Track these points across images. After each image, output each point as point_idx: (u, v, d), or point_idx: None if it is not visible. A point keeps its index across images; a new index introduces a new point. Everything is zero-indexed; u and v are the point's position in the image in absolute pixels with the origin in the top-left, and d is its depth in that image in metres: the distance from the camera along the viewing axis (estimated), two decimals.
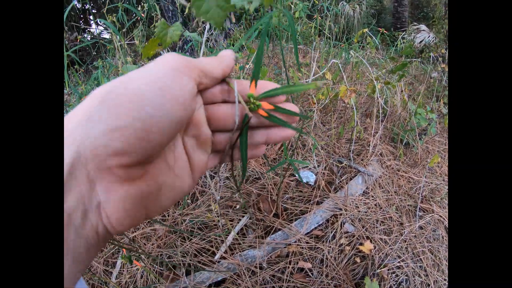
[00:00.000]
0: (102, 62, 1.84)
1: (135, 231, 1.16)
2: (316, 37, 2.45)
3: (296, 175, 0.80)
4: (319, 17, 2.07)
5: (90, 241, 0.19)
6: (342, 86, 1.29)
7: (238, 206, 1.17)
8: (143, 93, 0.19)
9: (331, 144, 1.58)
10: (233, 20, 4.14)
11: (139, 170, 0.20)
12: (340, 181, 1.37)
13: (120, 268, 1.05)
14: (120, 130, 0.18)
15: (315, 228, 1.14)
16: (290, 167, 1.30)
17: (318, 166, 1.37)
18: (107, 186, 0.19)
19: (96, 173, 0.18)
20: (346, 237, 1.13)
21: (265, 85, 0.27)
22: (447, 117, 2.24)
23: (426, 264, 1.16)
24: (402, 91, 2.03)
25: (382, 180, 1.49)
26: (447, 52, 3.53)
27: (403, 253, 1.18)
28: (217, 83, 0.26)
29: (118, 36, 1.48)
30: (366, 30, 2.01)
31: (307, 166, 1.38)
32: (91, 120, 0.18)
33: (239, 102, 0.26)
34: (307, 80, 1.42)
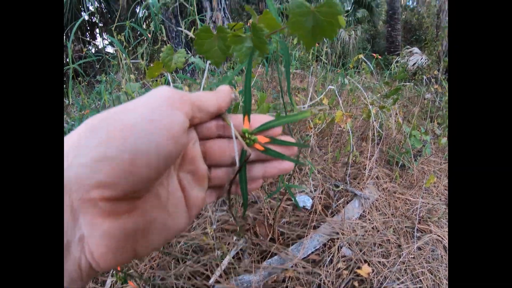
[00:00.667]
0: (105, 77, 1.87)
1: None
2: (313, 62, 2.53)
3: (293, 199, 0.83)
4: (316, 44, 2.15)
5: (72, 275, 0.18)
6: (338, 112, 1.34)
7: (238, 236, 1.19)
8: (134, 124, 0.19)
9: (327, 168, 1.61)
10: None
11: (125, 205, 0.19)
12: (337, 205, 1.39)
13: (110, 287, 1.04)
14: (106, 160, 0.17)
15: (312, 252, 1.14)
16: (286, 191, 1.32)
17: (315, 190, 1.40)
18: (91, 219, 0.18)
19: (80, 203, 0.18)
20: (344, 261, 1.13)
21: (260, 118, 0.27)
22: (447, 126, 2.27)
23: (426, 285, 1.16)
24: (396, 114, 2.08)
25: (379, 203, 1.51)
26: (439, 74, 3.62)
27: (402, 275, 1.18)
28: (213, 118, 0.25)
29: (124, 54, 1.55)
30: (361, 55, 2.09)
31: (304, 191, 1.40)
32: (78, 148, 0.18)
33: (236, 138, 0.25)
34: (304, 106, 1.47)
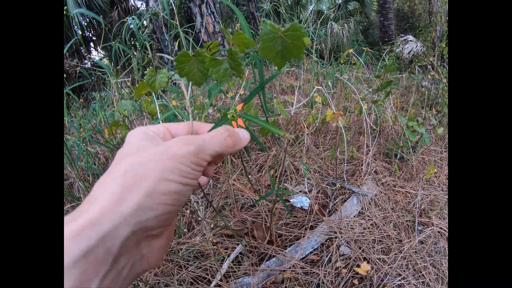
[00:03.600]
0: (98, 94, 1.91)
1: None
2: (304, 60, 2.53)
3: (284, 205, 0.83)
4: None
5: (130, 282, 0.26)
6: (329, 111, 1.34)
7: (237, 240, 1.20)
8: (166, 185, 0.26)
9: (324, 167, 1.61)
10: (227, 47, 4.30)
11: (164, 229, 0.28)
12: (334, 204, 1.39)
13: None
14: (151, 211, 0.25)
15: (310, 252, 1.14)
16: (283, 194, 1.32)
17: (311, 191, 1.40)
18: (149, 243, 0.27)
19: (143, 237, 0.26)
20: (342, 260, 1.13)
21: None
22: (445, 115, 2.26)
23: (429, 279, 1.15)
24: (392, 105, 2.08)
25: (378, 198, 1.50)
26: (435, 60, 3.60)
27: (404, 271, 1.17)
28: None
29: (111, 76, 1.57)
30: (351, 50, 2.09)
31: (301, 191, 1.41)
32: (125, 199, 0.24)
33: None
34: (292, 109, 1.47)
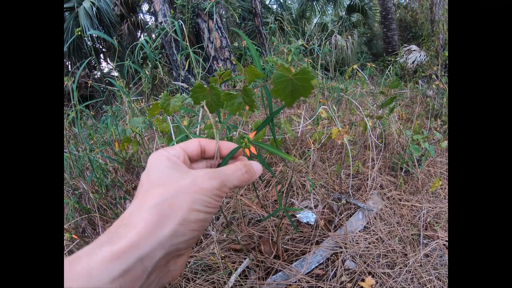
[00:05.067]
0: (111, 110, 1.98)
1: None
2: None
3: (290, 222, 0.87)
4: (310, 60, 2.22)
5: None
6: (334, 129, 1.38)
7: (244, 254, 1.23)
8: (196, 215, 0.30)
9: (330, 182, 1.64)
10: (233, 62, 4.40)
11: (187, 249, 0.33)
12: (340, 219, 1.42)
13: None
14: (183, 236, 0.29)
15: (316, 267, 1.17)
16: (289, 211, 1.36)
17: (317, 206, 1.43)
18: (175, 260, 0.31)
19: (172, 257, 0.30)
20: (348, 274, 1.16)
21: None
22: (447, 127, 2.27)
23: None
24: (397, 119, 2.11)
25: (383, 213, 1.52)
26: (438, 69, 3.62)
27: (408, 284, 1.18)
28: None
29: (125, 95, 1.64)
30: (355, 66, 2.14)
31: (307, 206, 1.44)
32: (175, 234, 0.29)
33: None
34: (299, 128, 1.52)
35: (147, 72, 1.58)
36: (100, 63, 8.18)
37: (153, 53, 1.44)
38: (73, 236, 1.16)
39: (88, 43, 6.77)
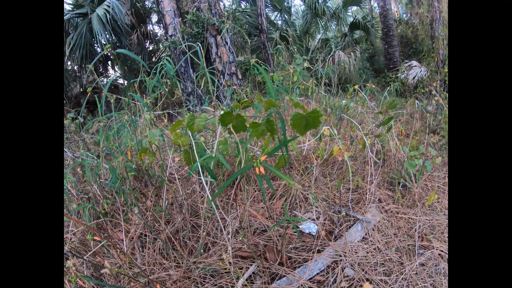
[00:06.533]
0: (126, 121, 2.05)
1: (151, 275, 1.31)
2: (313, 90, 2.72)
3: (295, 231, 0.98)
4: (314, 81, 2.36)
5: None
6: (335, 147, 1.50)
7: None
8: None
9: (331, 196, 1.75)
10: (239, 76, 4.57)
11: None
12: (340, 230, 1.52)
13: None
14: None
15: (317, 274, 1.28)
16: (289, 224, 1.47)
17: (318, 218, 1.54)
18: None
19: None
20: (347, 281, 1.26)
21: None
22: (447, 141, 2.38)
23: None
24: (395, 136, 2.22)
25: (381, 225, 1.62)
26: (437, 85, 3.74)
27: None
28: None
29: (146, 108, 1.77)
30: (356, 86, 2.27)
31: (309, 218, 1.55)
32: None
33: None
34: (304, 145, 1.64)
35: (166, 89, 1.72)
36: (107, 69, 8.40)
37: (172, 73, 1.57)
38: (95, 238, 1.26)
39: (98, 49, 6.97)
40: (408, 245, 1.51)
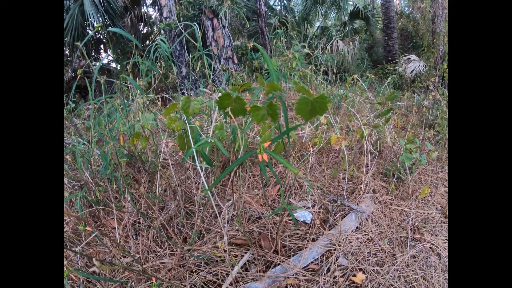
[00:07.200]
0: (117, 102, 1.97)
1: (145, 263, 1.30)
2: (312, 80, 2.69)
3: (292, 218, 0.97)
4: (313, 68, 2.32)
5: None
6: (333, 135, 1.48)
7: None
8: None
9: (326, 184, 1.75)
10: (236, 61, 4.49)
11: None
12: (334, 219, 1.52)
13: None
14: None
15: (312, 262, 1.28)
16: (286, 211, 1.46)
17: (313, 206, 1.53)
18: None
19: None
20: (340, 270, 1.26)
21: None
22: (444, 135, 2.39)
23: None
24: (392, 127, 2.22)
25: (375, 215, 1.62)
26: (435, 80, 3.74)
27: (396, 281, 1.29)
28: None
29: (139, 91, 1.72)
30: (355, 76, 2.24)
31: (304, 206, 1.54)
32: None
33: None
34: (304, 132, 1.62)
35: (160, 71, 1.66)
36: (100, 53, 8.20)
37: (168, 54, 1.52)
38: (87, 228, 1.23)
39: (90, 32, 6.77)
40: (400, 236, 1.53)
